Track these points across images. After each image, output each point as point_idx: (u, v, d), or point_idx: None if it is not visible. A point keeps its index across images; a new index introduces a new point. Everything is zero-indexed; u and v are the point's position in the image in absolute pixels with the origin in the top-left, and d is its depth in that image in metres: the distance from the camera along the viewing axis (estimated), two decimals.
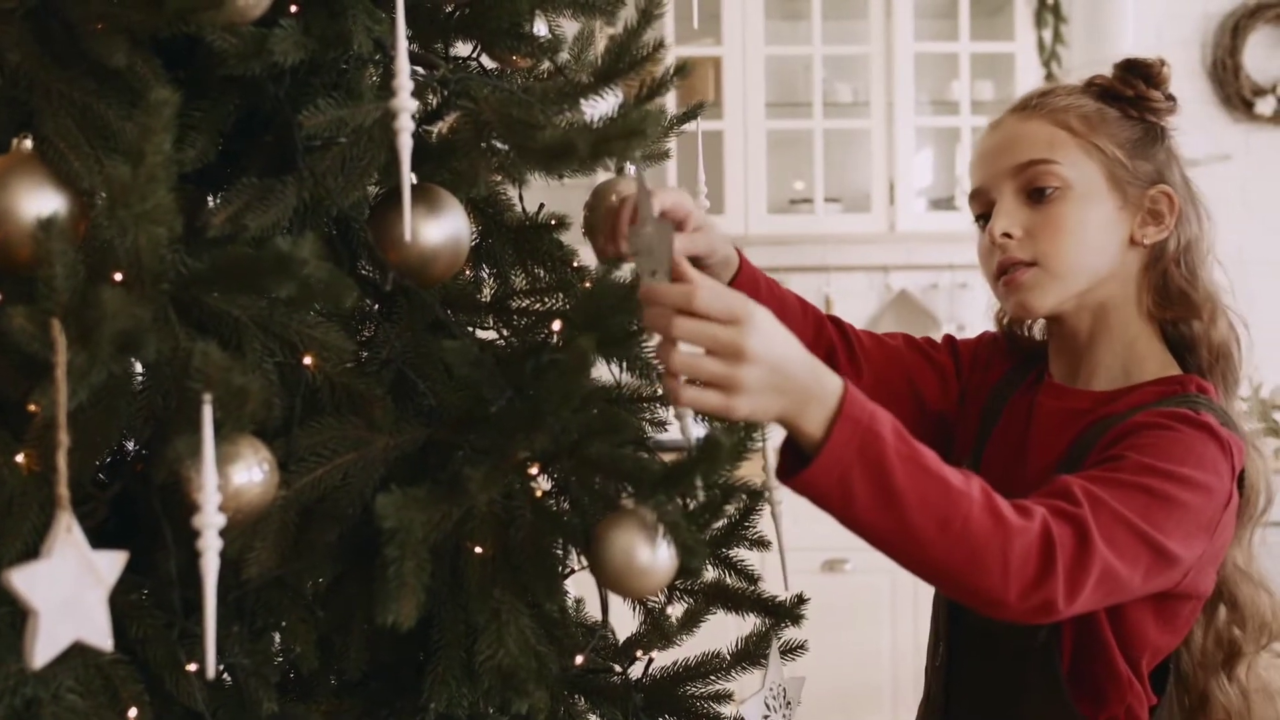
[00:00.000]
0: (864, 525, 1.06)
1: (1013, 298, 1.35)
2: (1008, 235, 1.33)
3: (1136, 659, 1.29)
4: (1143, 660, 1.29)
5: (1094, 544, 1.10)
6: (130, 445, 1.04)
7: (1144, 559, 1.15)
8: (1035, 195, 1.33)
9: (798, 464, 1.05)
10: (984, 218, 1.39)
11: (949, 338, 1.59)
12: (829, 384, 1.04)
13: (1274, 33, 4.44)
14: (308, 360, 0.99)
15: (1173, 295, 1.35)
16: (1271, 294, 4.29)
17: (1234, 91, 4.32)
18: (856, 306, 4.36)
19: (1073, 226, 1.32)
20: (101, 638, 0.80)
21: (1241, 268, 4.83)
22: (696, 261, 1.26)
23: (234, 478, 0.88)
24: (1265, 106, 4.33)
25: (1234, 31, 4.33)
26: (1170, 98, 1.38)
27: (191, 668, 0.94)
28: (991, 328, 1.58)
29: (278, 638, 1.06)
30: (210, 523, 0.80)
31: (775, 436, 1.09)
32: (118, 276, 0.83)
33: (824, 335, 1.46)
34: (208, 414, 0.81)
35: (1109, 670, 1.28)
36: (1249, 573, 1.36)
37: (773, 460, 1.13)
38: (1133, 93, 1.36)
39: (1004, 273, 1.35)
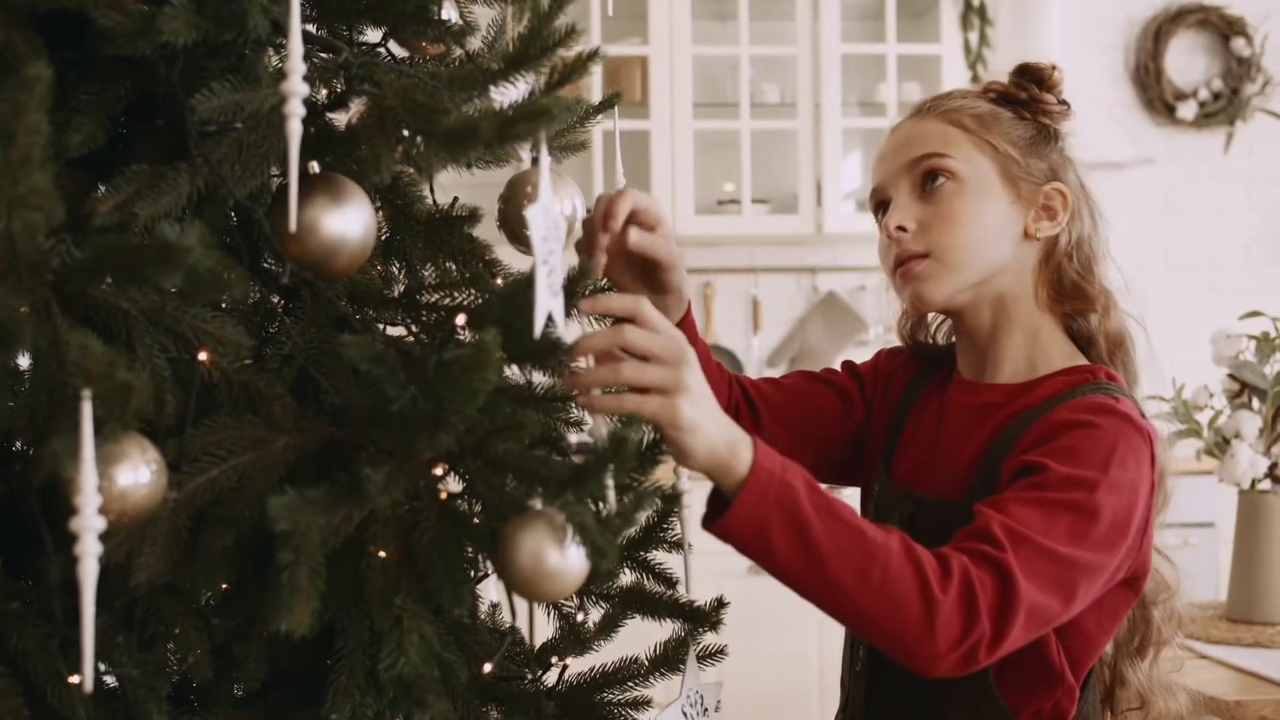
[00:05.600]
0: (786, 575, 1.10)
1: (908, 289, 1.38)
2: (902, 228, 1.36)
3: (1074, 652, 1.30)
4: (1079, 653, 1.30)
5: (1017, 587, 1.12)
6: (17, 446, 0.99)
7: (1076, 584, 1.17)
8: (928, 189, 1.36)
9: (720, 512, 1.08)
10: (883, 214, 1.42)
11: (847, 363, 1.62)
12: (742, 432, 1.08)
13: (1195, 38, 4.50)
14: (203, 356, 0.95)
15: (1067, 288, 1.39)
16: (1194, 295, 4.35)
17: (1156, 95, 4.36)
18: (784, 308, 4.35)
19: (964, 218, 1.35)
20: None
21: (1167, 270, 4.90)
22: (654, 270, 1.29)
23: (118, 479, 0.83)
24: (1187, 111, 4.38)
25: (1156, 36, 4.38)
26: (1063, 102, 1.43)
27: (75, 680, 0.89)
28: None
29: (172, 647, 1.01)
30: (89, 526, 0.75)
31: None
32: None
33: (733, 393, 1.50)
34: (87, 411, 0.76)
35: (1042, 664, 1.29)
36: (1158, 552, 1.39)
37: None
38: (1026, 95, 1.41)
39: (900, 265, 1.37)
